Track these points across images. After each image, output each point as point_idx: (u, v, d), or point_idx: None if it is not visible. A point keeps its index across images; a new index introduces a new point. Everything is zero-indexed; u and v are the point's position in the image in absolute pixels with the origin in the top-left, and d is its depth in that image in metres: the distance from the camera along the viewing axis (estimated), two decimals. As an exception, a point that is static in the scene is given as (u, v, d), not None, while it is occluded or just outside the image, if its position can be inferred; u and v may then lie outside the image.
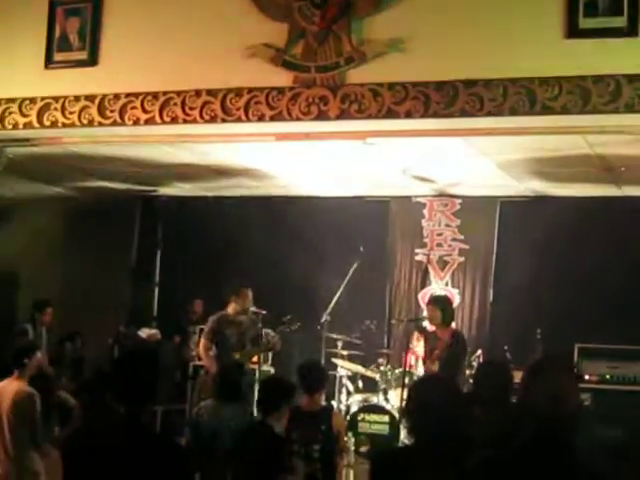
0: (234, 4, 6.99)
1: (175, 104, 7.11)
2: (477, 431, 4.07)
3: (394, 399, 9.41)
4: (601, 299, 9.71)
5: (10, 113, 7.59)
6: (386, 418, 9.31)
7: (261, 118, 6.88)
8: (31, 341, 8.97)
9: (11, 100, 7.60)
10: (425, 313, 9.44)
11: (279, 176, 10.42)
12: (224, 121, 7.01)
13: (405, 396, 6.94)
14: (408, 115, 6.51)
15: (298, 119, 6.81)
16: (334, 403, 9.62)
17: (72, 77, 7.46)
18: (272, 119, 6.86)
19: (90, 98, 7.34)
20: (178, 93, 7.10)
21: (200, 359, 9.58)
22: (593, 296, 9.81)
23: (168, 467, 3.68)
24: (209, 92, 7.02)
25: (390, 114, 6.55)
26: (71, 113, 7.40)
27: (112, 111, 7.29)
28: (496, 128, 6.84)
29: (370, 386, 10.08)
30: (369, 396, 9.81)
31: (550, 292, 10.12)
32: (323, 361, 9.42)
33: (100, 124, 7.35)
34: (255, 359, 9.33)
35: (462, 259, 11.08)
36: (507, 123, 6.57)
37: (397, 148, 8.61)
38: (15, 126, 7.60)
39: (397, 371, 9.62)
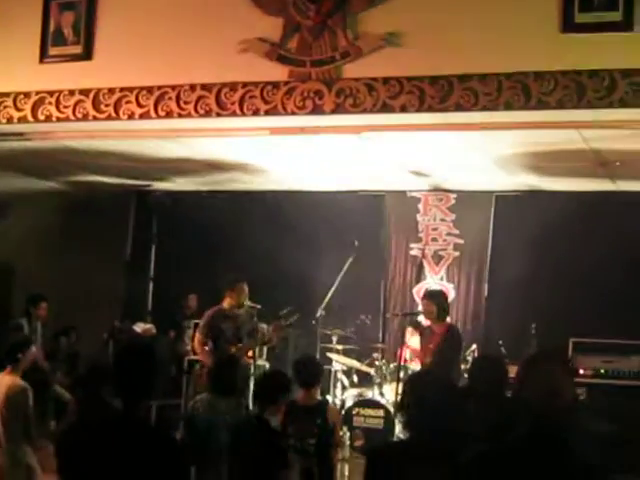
0: (229, -2, 7.00)
1: (170, 98, 7.11)
2: (472, 425, 4.08)
3: (389, 393, 9.41)
4: (596, 294, 9.73)
5: (5, 107, 7.58)
6: (381, 412, 9.32)
7: (256, 112, 6.88)
8: (25, 336, 8.95)
9: (5, 94, 7.60)
10: (420, 308, 9.45)
11: (274, 171, 10.41)
12: (219, 115, 7.01)
13: (400, 391, 6.97)
14: (403, 109, 6.52)
15: (293, 113, 6.81)
16: (329, 397, 9.63)
17: (67, 71, 7.45)
18: (267, 113, 6.86)
19: (85, 92, 7.34)
20: (173, 87, 7.10)
21: (195, 353, 9.57)
22: (588, 291, 9.82)
23: (163, 461, 3.67)
24: (204, 86, 7.02)
25: (385, 108, 6.56)
26: (65, 107, 7.40)
27: (107, 105, 7.29)
28: (491, 122, 6.85)
29: (365, 380, 10.10)
30: (364, 390, 9.82)
31: (545, 287, 10.13)
32: (318, 356, 9.42)
33: (95, 118, 7.35)
34: (250, 354, 9.32)
35: (457, 254, 11.08)
36: (502, 118, 6.58)
37: (392, 142, 8.61)
38: (10, 120, 7.60)
39: (392, 365, 9.64)
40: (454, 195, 11.11)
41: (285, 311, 9.50)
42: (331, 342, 10.06)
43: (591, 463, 3.24)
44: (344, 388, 10.01)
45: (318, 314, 10.00)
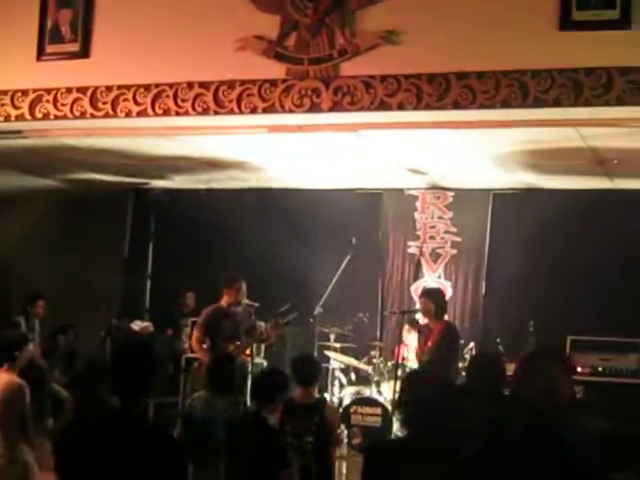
0: (227, -4, 6.99)
1: (167, 96, 7.10)
2: (470, 423, 4.08)
3: (387, 391, 9.41)
4: (593, 292, 9.73)
5: (2, 105, 7.58)
6: (379, 410, 9.32)
7: (254, 110, 6.87)
8: (22, 333, 8.92)
9: (3, 92, 7.59)
10: (418, 306, 9.44)
11: (271, 168, 10.41)
12: (216, 113, 7.01)
13: (398, 388, 6.98)
14: (400, 107, 6.52)
15: (291, 111, 6.81)
16: (327, 395, 9.62)
17: (64, 69, 7.44)
18: (265, 111, 6.85)
19: (82, 90, 7.33)
20: (170, 85, 7.10)
21: (193, 351, 9.57)
22: (585, 289, 9.82)
23: (161, 459, 3.67)
24: (201, 84, 7.02)
25: (382, 106, 6.56)
26: (63, 105, 7.39)
27: (104, 103, 7.28)
28: (488, 120, 6.85)
29: (363, 378, 10.10)
30: (362, 388, 9.82)
31: (543, 285, 10.13)
32: (316, 353, 9.43)
33: (92, 116, 7.34)
34: (248, 351, 9.32)
35: (455, 251, 11.08)
36: (499, 115, 6.58)
37: (390, 140, 8.60)
38: (7, 118, 7.59)
39: (390, 363, 9.63)
40: (452, 193, 11.11)
41: (283, 309, 9.50)
42: (329, 340, 10.06)
43: (589, 461, 3.25)
44: (342, 386, 10.00)
45: (316, 312, 10.00)
